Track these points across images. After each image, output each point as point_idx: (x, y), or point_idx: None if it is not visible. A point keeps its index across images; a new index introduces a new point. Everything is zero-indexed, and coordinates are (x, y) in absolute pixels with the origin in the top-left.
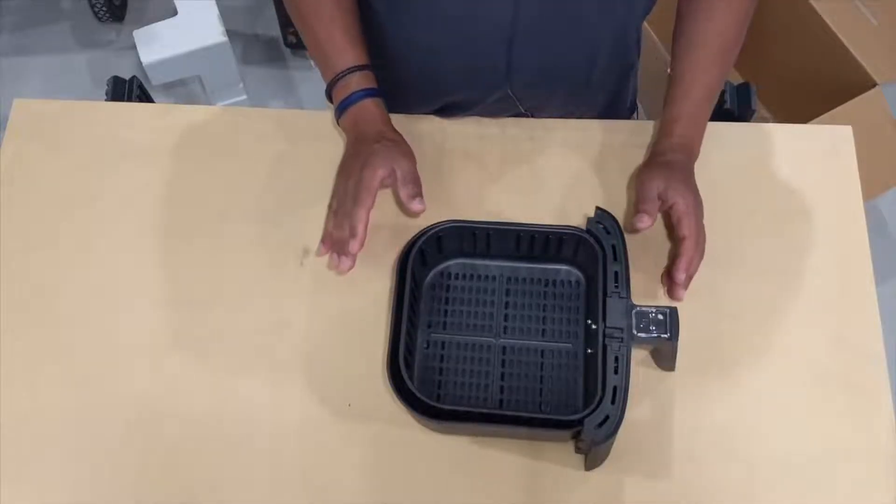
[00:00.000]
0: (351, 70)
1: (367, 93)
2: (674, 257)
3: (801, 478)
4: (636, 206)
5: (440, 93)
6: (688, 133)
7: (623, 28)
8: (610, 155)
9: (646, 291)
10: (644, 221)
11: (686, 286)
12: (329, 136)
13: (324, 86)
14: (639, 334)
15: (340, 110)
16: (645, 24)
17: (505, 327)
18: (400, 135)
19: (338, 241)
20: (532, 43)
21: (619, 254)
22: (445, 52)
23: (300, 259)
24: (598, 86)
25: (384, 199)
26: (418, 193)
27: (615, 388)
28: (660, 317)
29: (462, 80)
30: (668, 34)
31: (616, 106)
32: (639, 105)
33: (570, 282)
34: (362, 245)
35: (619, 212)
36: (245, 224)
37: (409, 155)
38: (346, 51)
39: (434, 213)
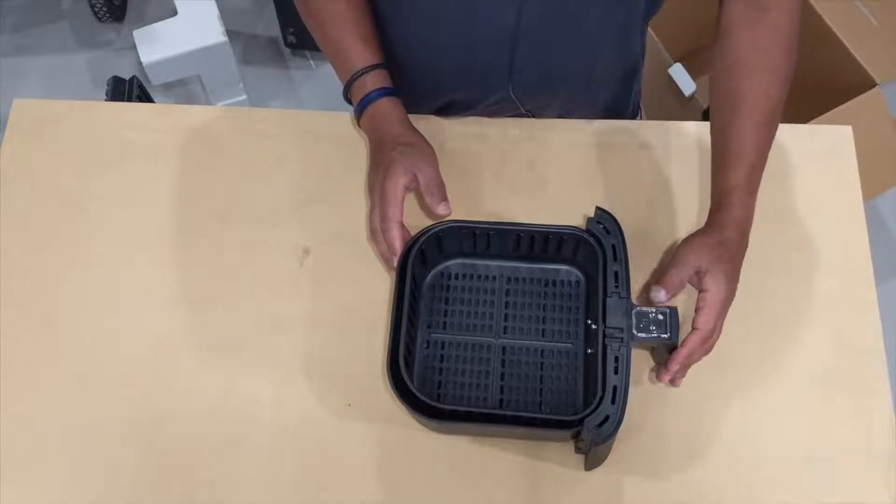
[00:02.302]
0: (365, 70)
1: (382, 92)
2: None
3: (802, 478)
4: (665, 273)
5: (441, 92)
6: (744, 202)
7: (625, 28)
8: (610, 155)
9: (646, 291)
10: (661, 296)
11: (677, 379)
12: (328, 136)
13: (324, 86)
14: (639, 334)
15: (359, 112)
16: None
17: (505, 327)
18: (418, 134)
19: (384, 257)
20: (534, 44)
21: (619, 254)
22: (447, 52)
23: (300, 259)
24: (600, 87)
25: None
26: (443, 198)
27: (615, 388)
28: (660, 317)
29: (463, 80)
30: (668, 34)
31: (618, 108)
32: (641, 108)
33: (570, 282)
34: None
35: (619, 212)
36: (245, 224)
37: (429, 157)
38: (359, 50)
39: None
